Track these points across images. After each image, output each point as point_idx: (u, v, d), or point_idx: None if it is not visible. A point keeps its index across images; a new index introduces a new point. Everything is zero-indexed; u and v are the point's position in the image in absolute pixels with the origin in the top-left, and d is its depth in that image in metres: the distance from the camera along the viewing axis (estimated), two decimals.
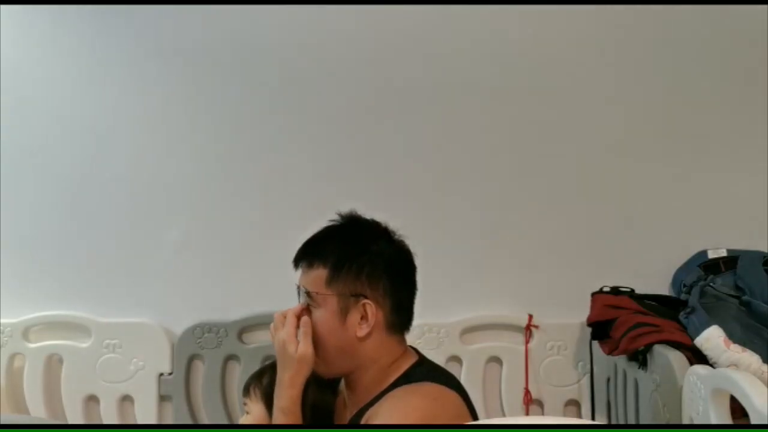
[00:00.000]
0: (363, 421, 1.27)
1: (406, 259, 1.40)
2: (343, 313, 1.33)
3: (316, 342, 1.34)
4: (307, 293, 1.36)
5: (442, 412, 1.24)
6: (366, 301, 1.32)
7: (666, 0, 2.01)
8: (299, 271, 1.40)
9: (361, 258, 1.35)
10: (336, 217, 1.42)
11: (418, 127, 2.11)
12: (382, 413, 1.25)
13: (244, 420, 1.47)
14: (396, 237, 1.40)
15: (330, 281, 1.34)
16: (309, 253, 1.39)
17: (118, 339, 2.10)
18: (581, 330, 2.01)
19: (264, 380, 1.45)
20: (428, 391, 1.29)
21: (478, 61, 2.08)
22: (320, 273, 1.35)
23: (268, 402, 1.40)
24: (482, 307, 2.08)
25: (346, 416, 1.39)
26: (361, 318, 1.33)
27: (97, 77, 2.15)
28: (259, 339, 2.13)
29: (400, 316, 1.37)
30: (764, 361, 1.55)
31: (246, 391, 1.47)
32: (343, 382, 1.42)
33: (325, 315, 1.34)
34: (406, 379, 1.32)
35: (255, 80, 2.12)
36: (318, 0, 2.06)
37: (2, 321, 2.11)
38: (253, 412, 1.45)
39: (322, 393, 1.42)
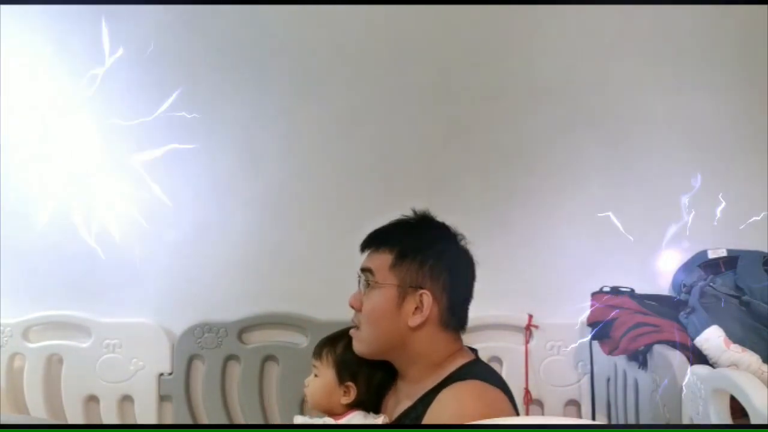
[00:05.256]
0: (425, 420, 1.29)
1: (469, 264, 1.46)
2: (400, 299, 1.36)
3: (366, 321, 1.38)
4: (370, 272, 1.39)
5: (489, 411, 1.25)
6: (424, 291, 1.36)
7: (667, 0, 2.01)
8: (364, 255, 1.43)
9: (427, 250, 1.39)
10: (409, 213, 1.47)
11: (419, 128, 2.11)
12: (436, 413, 1.28)
13: (311, 381, 1.46)
14: (462, 242, 1.46)
15: (393, 266, 1.38)
16: (379, 238, 1.43)
17: (118, 339, 2.10)
18: (581, 330, 2.01)
19: (338, 347, 1.45)
20: (478, 390, 1.31)
21: (484, 62, 2.09)
22: (386, 257, 1.39)
23: (339, 369, 1.43)
24: (482, 307, 2.07)
25: (392, 404, 1.42)
26: (416, 309, 1.36)
27: (98, 77, 2.14)
28: (259, 339, 2.13)
29: (455, 315, 1.41)
30: (764, 361, 1.55)
31: (318, 354, 1.47)
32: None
33: (382, 298, 1.37)
34: (458, 376, 1.34)
35: (256, 81, 2.12)
36: (322, 0, 2.06)
37: (2, 321, 2.11)
38: (323, 377, 1.45)
39: (387, 375, 1.44)
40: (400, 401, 1.41)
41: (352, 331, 1.43)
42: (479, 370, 1.38)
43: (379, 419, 1.40)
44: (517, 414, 1.35)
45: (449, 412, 1.26)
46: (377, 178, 2.12)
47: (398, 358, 1.41)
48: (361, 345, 1.41)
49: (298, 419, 1.50)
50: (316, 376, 1.46)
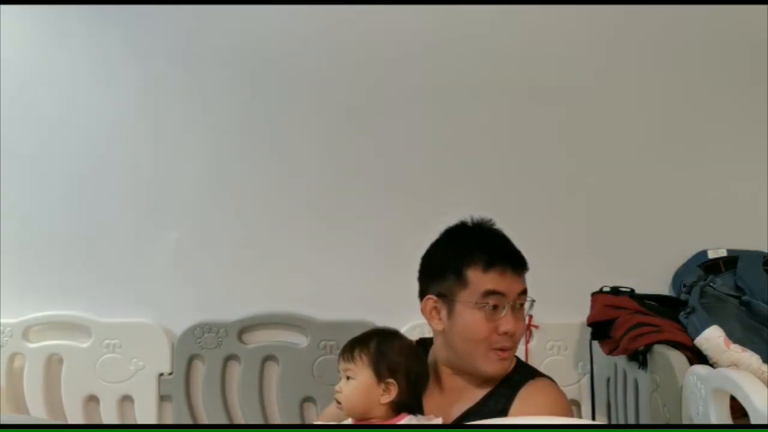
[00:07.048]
0: (511, 414, 1.36)
1: None
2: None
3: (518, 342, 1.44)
4: (526, 293, 1.43)
5: (565, 403, 1.43)
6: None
7: (666, 0, 2.01)
8: (501, 275, 1.41)
9: None
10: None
11: (418, 128, 2.11)
12: (527, 406, 1.36)
13: (344, 385, 1.37)
14: None
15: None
16: (519, 259, 1.45)
17: (118, 339, 2.10)
18: (581, 330, 2.01)
19: (371, 345, 1.38)
20: (556, 387, 1.44)
21: (480, 61, 2.08)
22: (523, 279, 1.44)
23: (378, 366, 1.36)
24: None
25: (442, 405, 1.42)
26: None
27: (98, 78, 2.15)
28: (259, 339, 2.13)
29: None
30: (764, 361, 1.55)
31: (349, 356, 1.38)
32: (442, 368, 1.46)
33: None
34: (524, 374, 1.43)
35: (256, 81, 2.12)
36: (322, 0, 2.06)
37: (2, 321, 2.11)
38: (359, 377, 1.36)
39: (425, 366, 1.43)
40: (454, 401, 1.42)
41: (508, 354, 1.42)
42: (537, 370, 1.49)
43: (437, 422, 1.35)
44: None
45: (541, 406, 1.35)
46: (375, 179, 2.11)
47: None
48: (510, 364, 1.44)
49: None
50: (348, 378, 1.37)
